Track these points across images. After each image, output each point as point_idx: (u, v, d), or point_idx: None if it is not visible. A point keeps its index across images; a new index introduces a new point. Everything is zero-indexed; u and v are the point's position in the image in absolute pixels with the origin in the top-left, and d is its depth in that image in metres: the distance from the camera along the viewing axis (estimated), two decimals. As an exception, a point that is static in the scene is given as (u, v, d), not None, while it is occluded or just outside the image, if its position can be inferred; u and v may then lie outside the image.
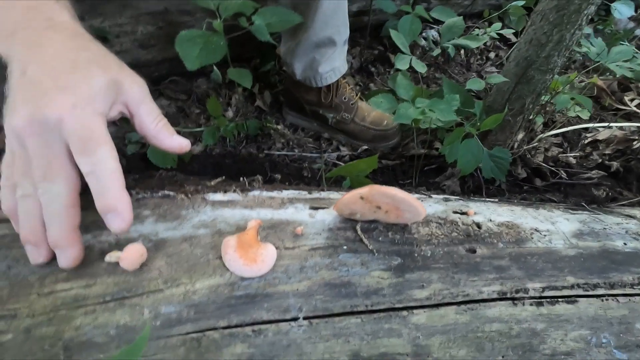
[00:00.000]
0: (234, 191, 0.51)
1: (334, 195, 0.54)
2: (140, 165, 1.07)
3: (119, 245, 0.42)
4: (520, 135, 1.09)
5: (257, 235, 0.42)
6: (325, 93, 1.18)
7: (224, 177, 0.60)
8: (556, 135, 1.22)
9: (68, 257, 0.37)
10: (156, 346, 0.37)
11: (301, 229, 0.45)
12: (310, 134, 1.21)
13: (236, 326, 0.38)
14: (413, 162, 1.11)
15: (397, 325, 0.40)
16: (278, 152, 1.09)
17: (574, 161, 1.12)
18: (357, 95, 1.24)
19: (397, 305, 0.41)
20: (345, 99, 1.19)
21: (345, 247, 0.44)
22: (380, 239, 0.45)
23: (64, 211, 0.35)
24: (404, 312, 0.40)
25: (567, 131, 1.22)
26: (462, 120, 1.00)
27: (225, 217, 0.46)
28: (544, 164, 1.08)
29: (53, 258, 0.39)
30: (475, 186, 1.09)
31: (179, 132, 0.52)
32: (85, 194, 0.39)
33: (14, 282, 0.38)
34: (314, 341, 0.38)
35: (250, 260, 0.39)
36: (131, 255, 0.38)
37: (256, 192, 0.52)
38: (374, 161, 0.72)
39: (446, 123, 1.01)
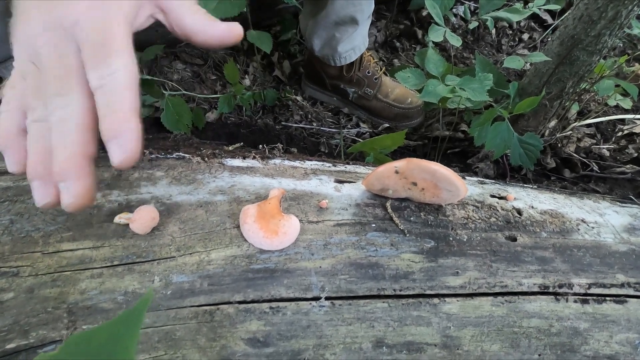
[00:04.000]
0: (254, 158, 0.48)
1: (360, 169, 0.50)
2: (153, 131, 1.03)
3: (130, 206, 0.38)
4: (552, 123, 1.03)
5: (280, 205, 0.38)
6: (348, 67, 1.12)
7: (242, 143, 0.56)
8: (589, 125, 1.15)
9: (74, 191, 0.28)
10: (166, 317, 0.34)
11: (326, 202, 0.41)
12: (329, 108, 1.16)
13: (252, 302, 0.35)
14: (436, 143, 1.06)
15: (426, 313, 0.36)
16: (296, 125, 1.05)
17: (607, 154, 1.06)
18: (381, 70, 1.17)
19: (427, 292, 0.37)
20: (368, 73, 1.13)
21: (373, 225, 0.40)
22: (411, 219, 0.41)
23: (75, 132, 0.28)
24: (435, 300, 0.37)
25: (601, 122, 1.15)
26: (492, 102, 0.94)
27: (244, 184, 0.42)
28: (575, 155, 1.02)
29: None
30: (498, 173, 1.04)
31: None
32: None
33: (17, 238, 0.36)
34: (335, 324, 0.35)
35: (271, 232, 0.36)
36: (142, 218, 0.35)
37: (277, 161, 0.48)
38: (400, 137, 0.68)
39: (475, 104, 0.95)
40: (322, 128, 1.06)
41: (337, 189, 0.44)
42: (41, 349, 0.33)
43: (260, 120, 1.07)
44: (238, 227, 0.38)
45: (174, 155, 0.45)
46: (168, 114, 0.96)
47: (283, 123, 1.04)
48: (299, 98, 1.10)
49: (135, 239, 0.36)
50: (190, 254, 0.36)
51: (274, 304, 0.35)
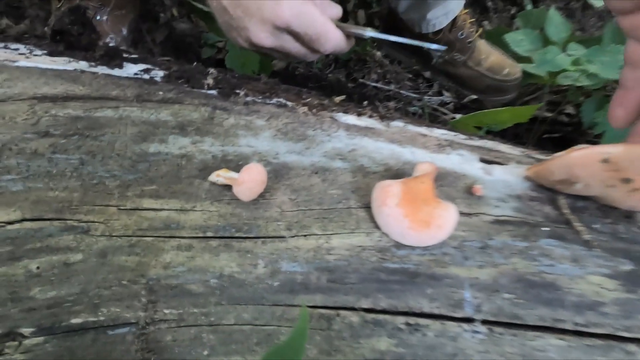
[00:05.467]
0: (370, 116, 0.37)
1: (502, 147, 0.38)
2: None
3: (227, 161, 0.29)
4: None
5: (434, 187, 0.28)
6: None
7: (344, 97, 0.45)
8: None
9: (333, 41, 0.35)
10: (270, 314, 0.25)
11: (480, 188, 0.30)
12: (409, 68, 1.02)
13: (384, 312, 0.26)
14: (531, 125, 0.90)
15: (617, 362, 0.26)
16: (373, 84, 0.92)
17: None
18: (477, 32, 1.00)
19: (623, 334, 0.26)
20: (461, 35, 0.96)
21: (546, 229, 0.29)
22: (596, 226, 0.30)
23: None
24: (632, 347, 0.26)
25: None
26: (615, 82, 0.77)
27: (368, 149, 0.32)
28: None
29: None
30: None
31: None
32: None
33: (88, 184, 0.28)
34: (491, 358, 0.26)
35: (421, 222, 0.26)
36: (252, 181, 0.26)
37: (398, 124, 0.37)
38: (526, 113, 0.54)
39: (595, 82, 0.78)
40: (400, 91, 0.93)
41: (487, 171, 0.33)
42: (112, 330, 0.25)
43: (332, 75, 0.95)
44: (367, 207, 0.28)
45: (273, 101, 0.35)
46: (233, 55, 0.86)
47: (360, 80, 0.91)
48: (379, 53, 0.96)
49: (234, 206, 0.27)
50: (305, 236, 0.27)
51: (411, 319, 0.26)
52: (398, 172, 0.31)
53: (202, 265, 0.26)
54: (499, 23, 1.26)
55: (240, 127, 0.32)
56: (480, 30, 1.02)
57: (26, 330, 0.25)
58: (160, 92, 0.33)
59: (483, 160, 0.34)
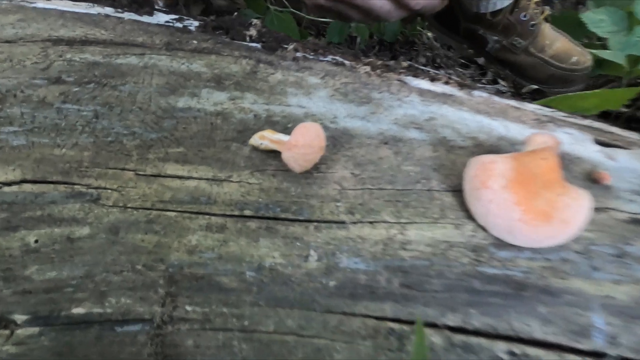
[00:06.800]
0: (447, 83, 0.30)
1: (615, 129, 0.29)
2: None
3: (272, 123, 0.23)
4: None
5: (559, 167, 0.20)
6: None
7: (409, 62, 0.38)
8: None
9: None
10: (322, 324, 0.19)
11: (607, 174, 0.22)
12: (461, 54, 0.92)
13: (477, 333, 0.19)
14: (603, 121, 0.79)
15: None
16: (422, 68, 0.83)
17: None
18: (542, 13, 0.89)
19: None
20: (524, 17, 0.85)
21: None
22: None
23: None
24: None
25: None
26: None
27: (450, 119, 0.25)
28: None
29: None
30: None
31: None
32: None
33: (102, 142, 0.22)
34: None
35: (539, 214, 0.18)
36: (307, 144, 0.19)
37: (482, 94, 0.29)
38: (623, 96, 0.45)
39: (691, 73, 0.67)
40: (451, 78, 0.84)
41: (609, 155, 0.25)
42: (121, 326, 0.20)
43: (375, 57, 0.87)
44: (454, 190, 0.21)
45: (328, 58, 0.28)
46: (275, 18, 0.81)
47: (409, 63, 0.83)
48: (429, 34, 0.87)
49: (281, 179, 0.21)
50: (372, 223, 0.20)
51: (516, 347, 0.19)
52: (492, 149, 0.24)
53: (237, 252, 0.20)
54: (563, 9, 1.14)
55: (289, 84, 0.25)
56: (546, 12, 0.91)
57: (19, 318, 0.20)
58: (195, 41, 0.27)
59: (599, 143, 0.26)
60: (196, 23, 0.30)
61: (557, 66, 0.94)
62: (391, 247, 0.20)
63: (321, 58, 0.29)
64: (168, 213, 0.21)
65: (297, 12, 0.90)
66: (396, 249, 0.20)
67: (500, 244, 0.20)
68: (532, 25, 0.94)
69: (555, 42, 0.95)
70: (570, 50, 0.92)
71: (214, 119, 0.23)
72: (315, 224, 0.20)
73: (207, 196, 0.21)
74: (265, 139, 0.20)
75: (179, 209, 0.21)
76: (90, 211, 0.21)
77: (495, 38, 0.96)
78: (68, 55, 0.25)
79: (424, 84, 0.28)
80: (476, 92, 0.29)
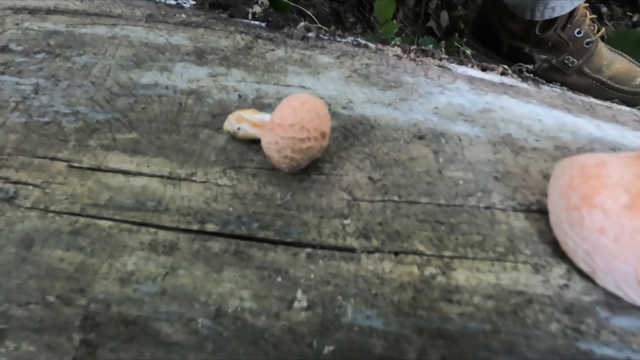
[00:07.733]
0: (503, 73, 0.22)
1: None
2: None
3: (262, 105, 0.17)
4: None
5: None
6: (545, 23, 0.77)
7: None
8: None
9: None
10: None
11: None
12: (503, 74, 0.84)
13: None
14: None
15: None
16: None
17: None
18: (598, 31, 0.80)
19: None
20: (578, 34, 0.76)
21: None
22: None
23: None
24: None
25: None
26: None
27: (514, 113, 0.18)
28: None
29: None
30: None
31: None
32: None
33: (35, 124, 0.17)
34: None
35: None
36: (298, 122, 0.13)
37: (555, 88, 0.22)
38: None
39: None
40: (508, 70, 0.76)
41: None
42: None
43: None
44: (529, 211, 0.13)
45: (347, 39, 0.22)
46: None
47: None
48: (468, 52, 0.81)
49: (264, 180, 0.15)
50: (397, 254, 0.13)
51: None
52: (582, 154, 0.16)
53: (189, 287, 0.13)
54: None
55: (292, 62, 0.19)
56: (603, 30, 0.82)
57: None
58: (184, 15, 0.22)
59: None
60: (193, 2, 0.25)
61: (617, 89, 0.83)
62: (427, 296, 0.12)
63: (338, 39, 0.22)
64: (101, 222, 0.14)
65: (325, 27, 0.87)
66: (435, 300, 0.12)
67: (618, 304, 0.12)
68: (588, 43, 0.84)
69: (615, 63, 0.85)
70: (632, 71, 0.81)
71: (184, 99, 0.17)
72: (309, 250, 0.13)
73: (158, 200, 0.15)
74: (244, 121, 0.14)
75: (116, 217, 0.14)
76: (1, 214, 0.15)
77: (544, 57, 0.88)
78: (26, 24, 0.20)
79: (473, 72, 0.21)
80: (545, 87, 0.22)
